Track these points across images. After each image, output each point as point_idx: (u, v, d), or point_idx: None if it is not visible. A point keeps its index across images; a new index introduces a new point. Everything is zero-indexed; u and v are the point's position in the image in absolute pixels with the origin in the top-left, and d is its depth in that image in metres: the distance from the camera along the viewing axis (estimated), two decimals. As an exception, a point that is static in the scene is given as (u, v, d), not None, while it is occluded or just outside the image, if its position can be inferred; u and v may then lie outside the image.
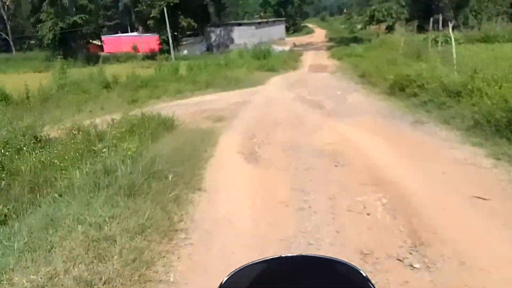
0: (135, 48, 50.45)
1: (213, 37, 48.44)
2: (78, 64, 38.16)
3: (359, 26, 40.36)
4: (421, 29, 35.48)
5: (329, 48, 39.32)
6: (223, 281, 0.90)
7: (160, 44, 39.09)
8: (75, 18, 37.82)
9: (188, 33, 48.61)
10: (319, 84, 17.17)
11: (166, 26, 35.94)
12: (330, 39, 50.02)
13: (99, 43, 53.40)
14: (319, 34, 60.18)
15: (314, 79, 19.14)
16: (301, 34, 61.17)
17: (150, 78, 18.78)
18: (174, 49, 37.81)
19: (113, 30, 60.63)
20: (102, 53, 49.25)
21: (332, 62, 28.39)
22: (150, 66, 29.64)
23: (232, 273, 0.92)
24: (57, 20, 37.91)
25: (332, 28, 65.96)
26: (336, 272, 0.97)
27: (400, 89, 12.48)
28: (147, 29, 44.20)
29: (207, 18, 48.92)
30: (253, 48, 24.77)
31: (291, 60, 27.98)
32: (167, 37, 36.53)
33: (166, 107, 12.82)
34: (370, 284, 0.91)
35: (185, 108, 12.87)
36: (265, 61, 22.47)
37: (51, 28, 38.16)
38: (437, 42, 16.18)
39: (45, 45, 40.07)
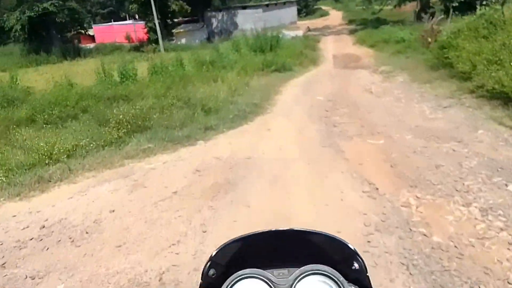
0: (128, 38, 42.85)
1: (214, 22, 40.52)
2: (53, 60, 30.98)
3: (386, 6, 31.60)
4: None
5: (351, 32, 31.21)
6: (213, 254, 0.90)
7: (148, 32, 31.26)
8: (45, 4, 30.14)
9: (186, 19, 40.82)
10: (381, 104, 9.29)
11: (152, 11, 28.24)
12: (350, 21, 41.68)
13: (92, 34, 46.74)
14: (334, 16, 51.52)
15: (356, 85, 11.43)
16: (314, 17, 52.56)
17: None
18: (164, 39, 30.11)
19: (110, 18, 53.18)
20: (90, 45, 41.96)
21: (363, 51, 20.33)
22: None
23: (222, 246, 0.91)
24: (24, 8, 30.36)
25: (348, 9, 57.15)
26: (325, 245, 0.95)
27: None
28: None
29: (207, 2, 40.98)
30: (255, 35, 16.90)
31: (308, 49, 20.09)
32: (155, 24, 28.85)
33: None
34: (358, 257, 0.93)
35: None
36: (272, 55, 14.65)
37: (18, 18, 30.69)
38: None
39: (15, 38, 32.69)
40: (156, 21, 28.46)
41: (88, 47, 38.71)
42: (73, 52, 32.98)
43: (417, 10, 33.58)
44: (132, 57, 28.34)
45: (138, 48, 32.60)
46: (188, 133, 7.47)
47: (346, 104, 9.42)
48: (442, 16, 19.50)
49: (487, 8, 9.95)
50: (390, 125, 7.50)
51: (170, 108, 8.21)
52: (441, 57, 10.36)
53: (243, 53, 14.40)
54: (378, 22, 34.17)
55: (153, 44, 29.65)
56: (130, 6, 30.26)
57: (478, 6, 20.23)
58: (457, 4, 29.11)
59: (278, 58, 14.12)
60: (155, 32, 29.27)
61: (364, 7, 57.27)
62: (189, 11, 30.98)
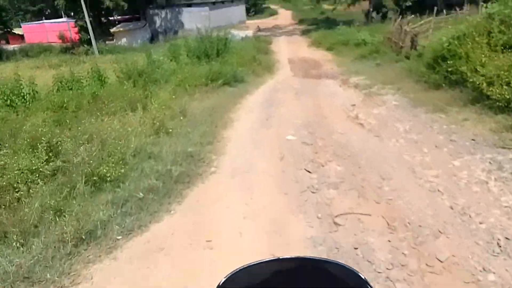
0: (62, 38, 38.08)
1: (157, 21, 36.91)
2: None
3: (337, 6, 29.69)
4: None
5: (304, 33, 29.03)
6: (221, 282, 0.86)
7: (79, 32, 27.21)
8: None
9: (127, 17, 36.88)
10: (391, 155, 5.80)
11: (82, 8, 24.38)
12: (300, 21, 39.61)
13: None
14: (284, 15, 49.39)
15: (333, 107, 8.57)
16: (264, 16, 50.08)
17: None
18: (99, 39, 26.30)
19: (43, 16, 47.55)
20: (16, 46, 36.91)
21: (320, 55, 18.00)
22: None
23: (230, 275, 0.87)
24: None
25: (297, 8, 55.35)
26: (333, 273, 0.91)
27: None
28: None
29: (149, -2, 37.23)
30: (199, 37, 13.80)
31: (260, 53, 17.47)
32: (86, 23, 24.99)
33: None
34: (368, 286, 0.85)
35: None
36: (220, 63, 11.64)
37: None
38: None
39: None
40: (87, 19, 24.63)
41: (13, 49, 33.83)
42: (-8, 55, 28.27)
43: (369, 9, 32.14)
44: (60, 61, 24.45)
45: (70, 49, 28.50)
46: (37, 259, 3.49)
47: (334, 152, 6.03)
48: (412, 16, 17.57)
49: (493, 4, 7.64)
50: (450, 229, 3.89)
51: (35, 181, 4.20)
52: (441, 70, 7.95)
53: (182, 61, 11.21)
54: (329, 22, 32.36)
55: (85, 45, 25.75)
56: (56, 1, 26.06)
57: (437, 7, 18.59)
58: (410, 3, 27.88)
59: (227, 66, 11.28)
60: (87, 31, 25.37)
61: (312, 6, 55.98)
62: (125, 7, 27.33)
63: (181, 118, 7.02)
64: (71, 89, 8.45)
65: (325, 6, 53.44)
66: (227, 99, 9.09)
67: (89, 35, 25.20)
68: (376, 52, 14.11)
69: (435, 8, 17.39)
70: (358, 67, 12.77)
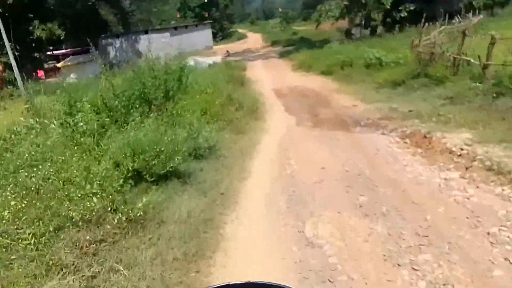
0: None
1: (112, 52, 31.12)
2: None
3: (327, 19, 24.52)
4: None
5: (283, 55, 23.83)
6: None
7: (3, 70, 21.01)
8: None
9: (76, 49, 30.91)
10: None
11: (3, 40, 18.43)
12: (274, 43, 34.58)
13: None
14: (254, 38, 44.46)
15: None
16: (231, 40, 45.00)
17: None
18: (30, 77, 20.22)
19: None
20: None
21: (317, 82, 12.59)
22: None
23: None
24: None
25: (266, 31, 50.71)
26: None
27: None
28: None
29: (102, 26, 31.48)
30: (139, 68, 8.13)
31: (235, 84, 12.03)
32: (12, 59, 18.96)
33: None
34: None
35: None
36: (168, 115, 6.20)
37: None
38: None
39: None
40: (10, 54, 18.58)
41: None
42: None
43: (351, 25, 27.45)
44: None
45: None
46: None
47: None
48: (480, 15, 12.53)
49: None
50: None
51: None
52: None
53: (78, 126, 5.08)
54: (305, 42, 27.61)
55: (10, 87, 19.57)
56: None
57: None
58: (406, 14, 23.37)
59: (182, 121, 5.74)
60: (11, 68, 19.27)
61: (282, 28, 51.54)
62: (62, 36, 21.31)
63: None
64: None
65: (294, 27, 49.23)
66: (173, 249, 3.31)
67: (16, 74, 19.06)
68: (417, 76, 8.85)
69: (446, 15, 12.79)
70: (406, 103, 7.38)
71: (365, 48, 14.33)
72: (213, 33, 41.75)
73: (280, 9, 54.07)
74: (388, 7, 19.32)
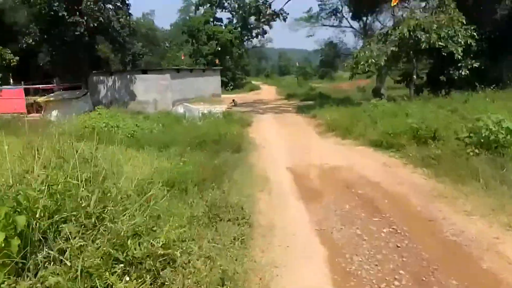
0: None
1: (102, 90, 25.89)
2: None
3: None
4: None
5: (301, 110, 18.13)
6: None
7: None
8: None
9: (64, 85, 25.91)
10: None
11: None
12: (290, 96, 29.24)
13: None
14: (268, 90, 39.44)
15: None
16: (244, 90, 40.01)
17: None
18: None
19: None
20: None
21: (376, 161, 6.58)
22: None
23: None
24: None
25: (281, 85, 45.80)
26: None
27: None
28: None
29: (93, 62, 26.67)
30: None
31: (223, 160, 6.19)
32: None
33: None
34: None
35: None
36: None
37: None
38: None
39: None
40: None
41: None
42: None
43: (381, 84, 21.98)
44: None
45: None
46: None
47: None
48: None
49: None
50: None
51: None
52: None
53: None
54: (326, 98, 22.17)
55: None
56: None
57: None
58: (467, 72, 17.60)
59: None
60: None
61: (298, 82, 46.68)
62: (14, 62, 15.97)
63: None
64: None
65: (312, 84, 44.15)
66: None
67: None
68: None
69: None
70: None
71: (443, 111, 8.44)
72: (224, 81, 36.92)
73: (297, 63, 49.59)
74: (459, 57, 13.60)
